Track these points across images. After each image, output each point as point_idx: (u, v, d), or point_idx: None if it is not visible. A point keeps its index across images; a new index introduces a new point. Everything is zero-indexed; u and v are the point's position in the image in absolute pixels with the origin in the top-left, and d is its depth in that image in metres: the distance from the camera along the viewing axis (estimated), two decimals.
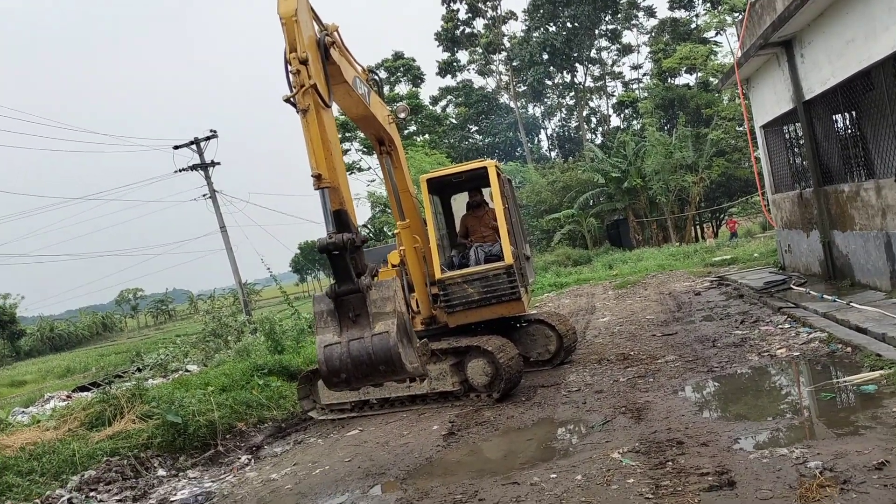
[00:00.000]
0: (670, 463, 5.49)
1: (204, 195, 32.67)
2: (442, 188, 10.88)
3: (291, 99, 6.15)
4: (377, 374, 5.69)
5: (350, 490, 6.45)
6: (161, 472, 8.03)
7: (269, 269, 21.46)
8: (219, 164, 32.96)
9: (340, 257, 5.92)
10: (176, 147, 32.34)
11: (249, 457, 8.42)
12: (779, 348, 8.79)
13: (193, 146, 32.30)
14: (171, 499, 7.11)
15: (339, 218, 6.17)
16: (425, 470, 6.66)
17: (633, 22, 54.86)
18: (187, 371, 17.12)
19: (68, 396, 18.33)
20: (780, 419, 6.24)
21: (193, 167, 32.35)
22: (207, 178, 32.46)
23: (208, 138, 32.46)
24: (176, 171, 32.59)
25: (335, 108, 7.64)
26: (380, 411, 9.32)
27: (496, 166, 9.76)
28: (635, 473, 5.41)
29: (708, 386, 7.96)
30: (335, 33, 7.04)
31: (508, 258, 9.28)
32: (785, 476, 4.81)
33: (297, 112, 6.21)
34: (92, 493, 7.36)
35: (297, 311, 21.22)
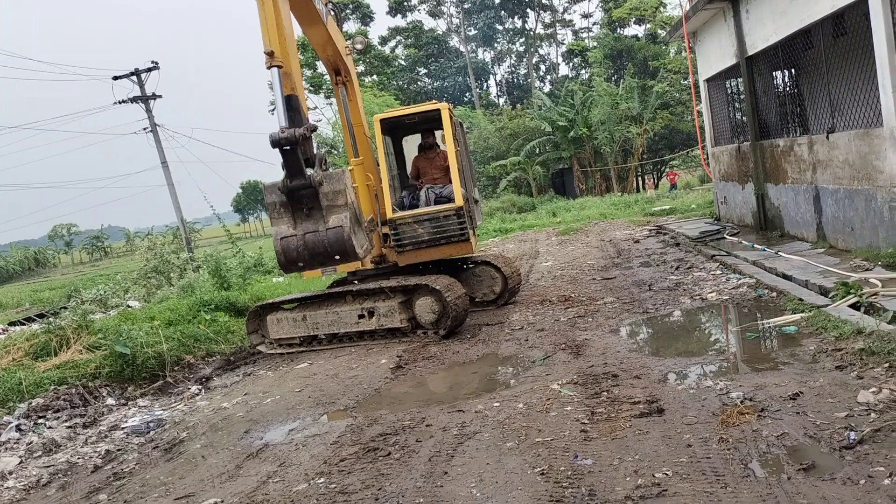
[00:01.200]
0: (605, 393, 5.87)
1: (145, 129, 31.73)
2: (394, 129, 10.94)
3: None
4: (332, 261, 6.17)
5: (301, 417, 6.68)
6: (110, 401, 8.11)
7: (212, 206, 21.19)
8: (160, 97, 31.98)
9: (292, 152, 6.04)
10: (116, 77, 31.16)
11: (199, 387, 8.56)
12: (710, 292, 9.31)
13: (134, 77, 31.18)
14: (123, 425, 7.23)
15: (290, 104, 6.27)
16: (374, 399, 6.93)
17: None
18: (129, 307, 16.98)
19: (3, 330, 18.00)
20: (708, 356, 6.69)
21: (134, 99, 31.29)
22: (148, 110, 31.48)
23: (150, 70, 31.38)
24: (115, 103, 31.48)
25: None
26: (328, 346, 9.53)
27: (449, 109, 9.87)
28: (573, 402, 5.78)
29: (643, 326, 8.41)
30: None
31: (459, 200, 9.48)
32: (709, 404, 5.23)
33: None
34: (41, 420, 7.42)
35: (241, 249, 21.13)
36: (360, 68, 46.94)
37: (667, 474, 4.18)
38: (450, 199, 9.65)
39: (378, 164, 9.97)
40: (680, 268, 11.53)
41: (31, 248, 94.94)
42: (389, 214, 9.60)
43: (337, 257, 6.03)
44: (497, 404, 6.04)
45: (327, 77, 45.72)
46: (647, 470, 4.28)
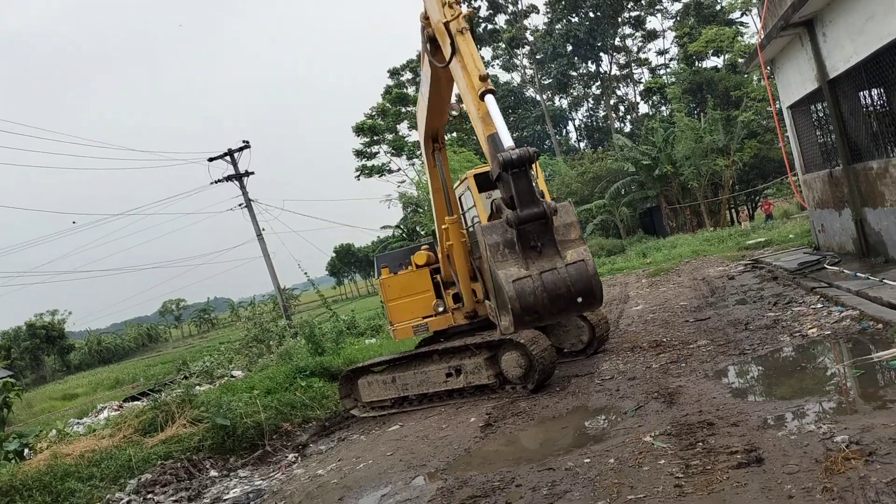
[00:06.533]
0: (700, 443, 5.64)
1: (240, 205, 33.25)
2: (486, 183, 11.05)
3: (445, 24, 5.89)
4: (574, 306, 5.03)
5: (393, 482, 6.72)
6: (213, 473, 8.40)
7: (306, 273, 22.02)
8: (252, 173, 33.50)
9: (525, 175, 5.04)
10: (211, 159, 32.93)
11: (296, 455, 8.76)
12: (810, 328, 8.84)
13: (227, 157, 32.91)
14: (224, 497, 7.46)
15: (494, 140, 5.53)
16: (464, 460, 6.90)
17: (657, 7, 54.37)
18: (232, 377, 17.63)
19: (120, 406, 19.02)
20: (809, 397, 6.33)
21: (229, 178, 32.94)
22: (242, 187, 33.03)
23: (241, 149, 33.03)
24: (212, 183, 33.18)
25: None
26: (419, 406, 9.58)
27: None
28: (666, 455, 5.58)
29: (739, 368, 8.06)
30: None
31: None
32: (812, 451, 4.94)
33: (451, 35, 5.85)
34: (149, 496, 7.75)
35: (335, 313, 21.73)
36: None
37: None
38: None
39: (466, 219, 10.07)
40: (778, 303, 11.02)
41: (145, 325, 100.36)
42: None
43: (580, 300, 4.89)
44: (588, 460, 5.90)
45: (409, 139, 46.66)
46: None
